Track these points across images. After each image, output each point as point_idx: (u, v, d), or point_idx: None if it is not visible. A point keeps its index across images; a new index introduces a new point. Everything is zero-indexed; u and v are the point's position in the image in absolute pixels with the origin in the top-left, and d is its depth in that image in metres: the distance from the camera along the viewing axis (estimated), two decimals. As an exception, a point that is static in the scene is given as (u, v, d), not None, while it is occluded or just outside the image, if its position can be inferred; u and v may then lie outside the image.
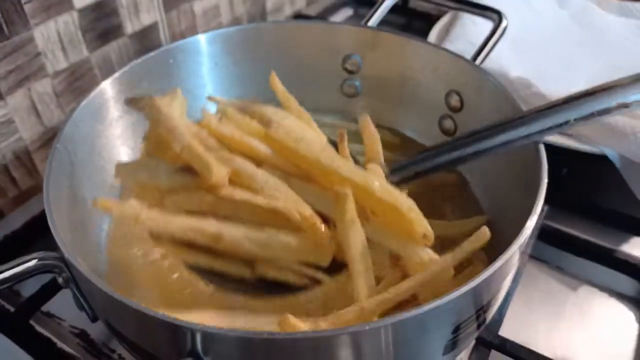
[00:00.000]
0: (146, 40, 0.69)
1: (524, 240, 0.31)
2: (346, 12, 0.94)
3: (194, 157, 0.32)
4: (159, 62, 0.47)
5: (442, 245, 0.37)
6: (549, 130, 0.37)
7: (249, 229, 0.33)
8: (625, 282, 0.49)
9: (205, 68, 0.50)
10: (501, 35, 0.50)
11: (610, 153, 0.51)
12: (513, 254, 0.30)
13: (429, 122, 0.51)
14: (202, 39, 0.49)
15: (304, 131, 0.38)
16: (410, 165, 0.43)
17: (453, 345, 0.32)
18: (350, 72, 0.53)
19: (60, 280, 0.33)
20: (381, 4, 0.52)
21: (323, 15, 0.91)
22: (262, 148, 0.36)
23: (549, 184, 0.54)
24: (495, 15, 0.50)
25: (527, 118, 0.37)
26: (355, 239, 0.34)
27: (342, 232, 0.34)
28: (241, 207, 0.33)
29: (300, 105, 0.46)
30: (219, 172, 0.32)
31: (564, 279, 0.50)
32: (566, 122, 0.37)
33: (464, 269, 0.39)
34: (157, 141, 0.36)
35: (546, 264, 0.51)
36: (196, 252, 0.34)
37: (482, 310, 0.31)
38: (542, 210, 0.51)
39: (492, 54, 0.58)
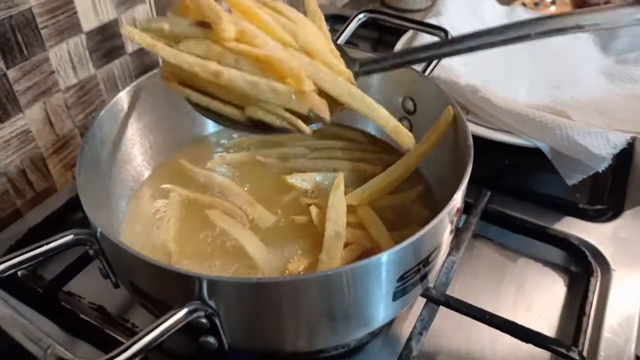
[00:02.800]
0: (145, 57, 0.78)
1: (451, 207, 0.40)
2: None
3: (208, 10, 0.39)
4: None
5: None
6: (512, 40, 0.43)
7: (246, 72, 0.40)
8: (556, 254, 0.59)
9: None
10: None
11: (542, 146, 0.61)
12: (443, 218, 0.39)
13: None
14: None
15: (306, 26, 0.45)
16: (378, 61, 0.48)
17: (402, 292, 0.41)
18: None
19: (91, 252, 0.42)
20: (350, 22, 0.61)
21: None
22: (270, 21, 0.43)
23: (492, 173, 0.64)
24: (442, 33, 0.59)
25: (492, 30, 0.44)
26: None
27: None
28: (242, 60, 0.40)
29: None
30: (228, 26, 0.39)
31: (505, 253, 0.59)
32: (527, 35, 0.43)
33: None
34: (181, 11, 0.43)
35: (490, 241, 0.60)
36: (198, 93, 0.43)
37: (422, 264, 0.40)
38: (486, 195, 0.61)
39: (446, 65, 0.68)
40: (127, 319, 0.54)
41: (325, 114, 0.42)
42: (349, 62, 0.47)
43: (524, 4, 1.12)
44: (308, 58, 0.42)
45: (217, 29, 0.39)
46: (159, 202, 0.54)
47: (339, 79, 0.43)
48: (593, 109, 0.68)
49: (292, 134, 0.44)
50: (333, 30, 1.04)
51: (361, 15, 0.64)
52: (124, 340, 0.51)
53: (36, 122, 0.66)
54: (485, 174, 0.58)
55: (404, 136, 0.45)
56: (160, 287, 0.39)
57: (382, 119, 0.44)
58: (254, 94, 0.40)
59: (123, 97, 0.52)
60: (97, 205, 0.44)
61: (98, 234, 0.40)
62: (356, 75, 0.47)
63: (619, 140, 0.58)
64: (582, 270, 0.57)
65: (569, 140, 0.59)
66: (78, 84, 0.69)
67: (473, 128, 0.63)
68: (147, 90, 0.54)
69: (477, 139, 0.48)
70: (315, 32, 0.46)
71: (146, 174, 0.57)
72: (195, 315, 0.36)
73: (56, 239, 0.40)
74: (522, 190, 0.64)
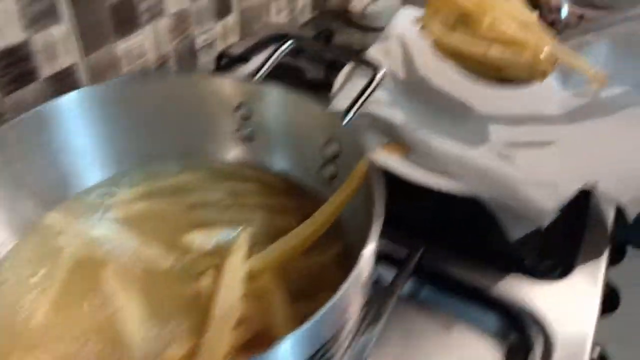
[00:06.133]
0: (64, 82, 0.71)
1: (353, 280, 0.33)
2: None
3: (470, 10, 0.60)
4: (40, 119, 0.49)
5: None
6: None
7: (502, 48, 0.59)
8: (495, 320, 0.52)
9: (89, 121, 0.52)
10: (377, 86, 0.53)
11: (482, 195, 0.55)
12: (346, 291, 0.33)
13: (314, 168, 0.54)
14: (82, 94, 0.51)
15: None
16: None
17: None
18: (243, 120, 0.56)
19: None
20: (272, 54, 0.55)
21: (253, 50, 0.94)
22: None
23: (427, 222, 0.57)
24: (371, 70, 0.53)
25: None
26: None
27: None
28: (495, 39, 0.59)
29: (197, 154, 0.53)
30: (485, 18, 0.59)
31: (438, 319, 0.52)
32: None
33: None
34: (437, 4, 0.64)
35: (421, 304, 0.54)
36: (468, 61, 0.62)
37: (323, 349, 0.34)
38: (419, 249, 0.54)
39: (385, 99, 0.62)
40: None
41: (552, 69, 0.60)
42: None
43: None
44: (528, 29, 0.60)
45: (476, 20, 0.60)
46: (30, 273, 0.46)
47: (556, 43, 0.60)
48: (546, 149, 0.61)
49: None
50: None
51: (288, 44, 0.57)
52: None
53: None
54: (418, 223, 0.52)
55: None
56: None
57: (584, 66, 0.62)
58: (507, 66, 0.59)
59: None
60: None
61: None
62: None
63: (568, 191, 0.52)
64: (520, 340, 0.50)
65: (511, 190, 0.53)
66: (-24, 114, 0.62)
67: (406, 171, 0.57)
68: (13, 136, 0.47)
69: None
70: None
71: (10, 244, 0.48)
72: None
73: None
74: (461, 243, 0.57)
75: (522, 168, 0.56)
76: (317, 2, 1.24)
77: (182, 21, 0.87)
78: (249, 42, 0.98)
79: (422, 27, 0.65)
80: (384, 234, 0.56)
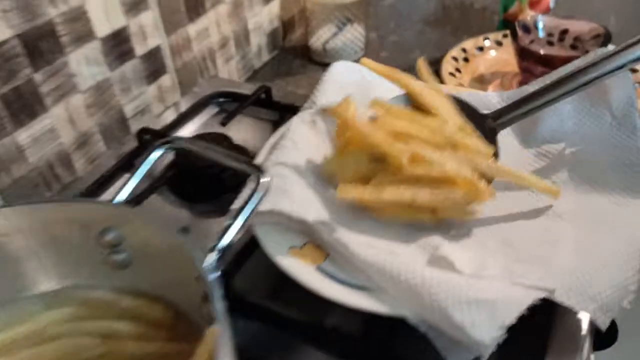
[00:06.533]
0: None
1: None
2: (212, 110, 0.89)
3: (384, 150, 0.50)
4: None
5: None
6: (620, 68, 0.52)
7: (431, 189, 0.49)
8: None
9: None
10: (265, 193, 0.43)
11: (409, 315, 0.44)
12: None
13: (197, 302, 0.44)
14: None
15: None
16: (509, 110, 0.56)
17: None
18: (113, 246, 0.46)
19: None
20: (135, 172, 0.45)
21: (182, 119, 0.84)
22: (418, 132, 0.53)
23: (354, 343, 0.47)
24: (256, 172, 0.43)
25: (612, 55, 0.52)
26: None
27: None
28: (421, 177, 0.49)
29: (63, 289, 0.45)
30: (401, 158, 0.49)
31: None
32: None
33: None
34: (346, 138, 0.54)
35: None
36: (393, 210, 0.52)
37: None
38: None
39: (306, 189, 0.52)
40: None
41: (494, 196, 0.50)
42: (481, 119, 0.56)
43: (454, 58, 0.96)
44: (459, 151, 0.51)
45: (391, 161, 0.50)
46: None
47: (491, 163, 0.52)
48: (496, 239, 0.50)
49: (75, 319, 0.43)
50: (223, 112, 0.90)
51: (159, 152, 0.47)
52: None
53: None
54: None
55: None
56: None
57: (531, 182, 0.53)
58: (441, 205, 0.50)
59: None
60: None
61: None
62: (495, 130, 0.56)
63: (513, 313, 0.41)
64: None
65: (441, 312, 0.42)
66: None
67: (319, 285, 0.46)
68: None
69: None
70: (448, 112, 0.55)
71: None
72: None
73: None
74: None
75: (460, 271, 0.45)
76: (275, 41, 1.15)
77: (102, 93, 0.79)
78: (193, 99, 0.89)
79: (332, 176, 0.54)
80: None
